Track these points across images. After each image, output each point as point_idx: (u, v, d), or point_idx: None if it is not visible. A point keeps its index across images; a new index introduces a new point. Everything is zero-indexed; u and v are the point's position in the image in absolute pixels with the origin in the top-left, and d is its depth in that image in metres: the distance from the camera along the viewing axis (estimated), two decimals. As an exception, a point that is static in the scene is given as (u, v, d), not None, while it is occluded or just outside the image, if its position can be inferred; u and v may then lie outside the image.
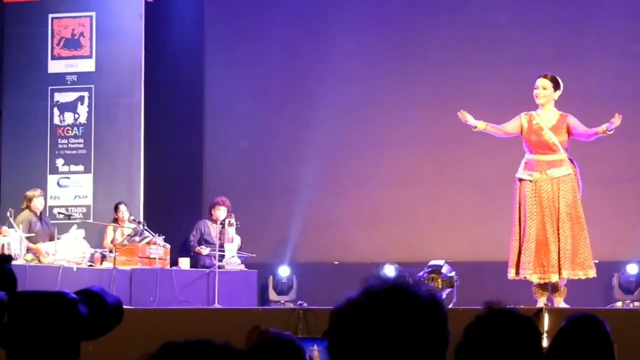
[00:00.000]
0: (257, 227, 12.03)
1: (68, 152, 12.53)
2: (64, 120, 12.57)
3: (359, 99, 12.41)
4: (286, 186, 12.44)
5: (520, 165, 8.51)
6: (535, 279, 8.34)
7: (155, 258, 10.84)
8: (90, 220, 12.14)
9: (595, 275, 8.45)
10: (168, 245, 11.13)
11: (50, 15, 12.67)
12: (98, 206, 12.34)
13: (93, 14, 12.62)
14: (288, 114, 12.69)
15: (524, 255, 8.33)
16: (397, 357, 1.86)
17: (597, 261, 8.61)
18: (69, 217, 11.96)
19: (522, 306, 6.97)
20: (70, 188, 12.49)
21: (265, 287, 11.80)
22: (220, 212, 11.46)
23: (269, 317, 8.59)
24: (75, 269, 10.30)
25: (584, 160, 8.80)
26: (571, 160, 8.44)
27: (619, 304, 10.64)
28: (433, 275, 9.47)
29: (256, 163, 12.73)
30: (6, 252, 10.05)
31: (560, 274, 8.27)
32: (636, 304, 10.66)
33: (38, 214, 11.14)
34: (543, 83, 8.43)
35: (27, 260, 10.37)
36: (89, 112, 12.55)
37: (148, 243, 10.99)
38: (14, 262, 1.86)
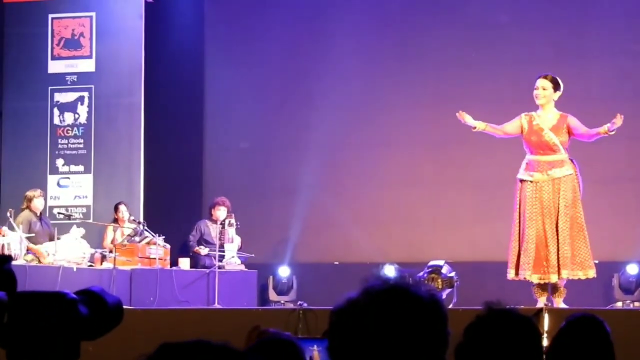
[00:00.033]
0: (257, 227, 12.03)
1: (68, 152, 12.53)
2: (64, 121, 12.57)
3: (359, 98, 12.41)
4: (286, 186, 12.44)
5: (521, 166, 8.50)
6: (535, 279, 8.33)
7: (155, 258, 10.84)
8: (90, 221, 12.14)
9: (595, 276, 8.45)
10: (168, 246, 11.13)
11: (50, 16, 12.68)
12: (98, 206, 12.34)
13: (93, 14, 12.62)
14: (288, 114, 12.69)
15: (523, 255, 8.33)
16: (397, 357, 1.86)
17: (597, 261, 8.61)
18: (69, 217, 11.96)
19: (522, 306, 6.96)
20: (70, 188, 12.49)
21: (265, 287, 11.80)
22: (221, 213, 11.46)
23: (269, 317, 8.59)
24: (75, 269, 10.30)
25: (584, 160, 8.80)
26: (572, 161, 8.43)
27: (619, 304, 10.64)
28: (433, 275, 9.47)
29: (256, 163, 12.73)
30: (6, 252, 10.05)
31: (559, 274, 8.27)
32: (636, 304, 10.66)
33: (38, 214, 11.14)
34: (543, 84, 8.43)
35: (27, 261, 10.37)
36: (89, 112, 12.55)
37: (148, 243, 10.99)
38: (14, 263, 1.86)
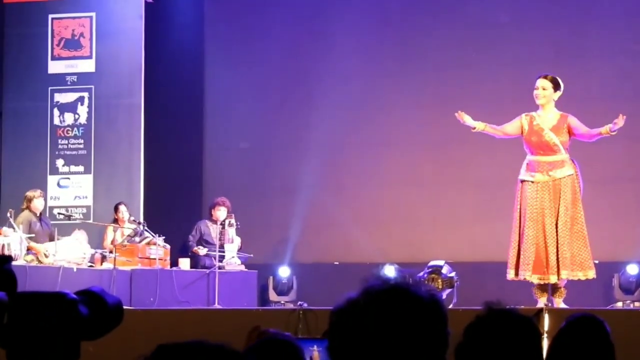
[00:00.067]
0: (257, 227, 12.03)
1: (68, 152, 12.53)
2: (64, 121, 12.57)
3: (359, 98, 12.41)
4: (286, 186, 12.44)
5: (522, 166, 8.50)
6: (534, 279, 8.33)
7: (155, 258, 10.83)
8: (91, 221, 12.14)
9: (594, 276, 8.44)
10: (168, 246, 11.13)
11: (50, 16, 12.67)
12: (98, 207, 12.34)
13: (93, 14, 12.62)
14: (288, 114, 12.69)
15: (523, 256, 8.32)
16: (397, 357, 1.86)
17: (597, 261, 8.61)
18: (69, 217, 11.96)
19: (522, 306, 6.96)
20: (70, 188, 12.49)
21: (265, 287, 11.80)
22: (221, 213, 11.45)
23: (269, 317, 8.59)
24: (75, 270, 10.30)
25: (584, 160, 8.80)
26: (572, 161, 8.42)
27: (619, 305, 10.64)
28: (433, 275, 9.47)
29: (256, 163, 12.73)
30: (6, 252, 10.05)
31: (558, 275, 8.26)
32: (636, 304, 10.65)
33: (38, 215, 11.14)
34: (543, 84, 8.42)
35: (27, 261, 10.37)
36: (89, 113, 12.55)
37: (148, 243, 10.99)
38: (14, 263, 1.86)
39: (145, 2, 12.55)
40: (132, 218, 11.52)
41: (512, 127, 8.54)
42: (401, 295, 1.89)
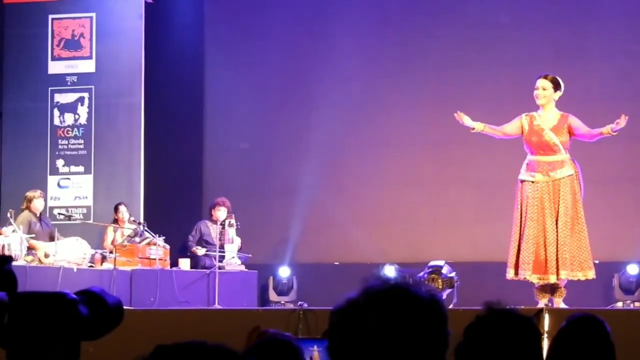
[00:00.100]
0: (257, 227, 12.03)
1: (68, 152, 12.53)
2: (64, 121, 12.57)
3: (359, 99, 12.41)
4: (286, 186, 12.44)
5: (522, 166, 8.50)
6: (534, 279, 8.33)
7: (155, 259, 10.84)
8: (91, 221, 12.15)
9: (594, 277, 8.44)
10: (168, 246, 11.13)
11: (50, 16, 12.67)
12: (98, 207, 12.34)
13: (93, 14, 12.62)
14: (288, 114, 12.69)
15: (523, 255, 8.32)
16: (397, 357, 1.86)
17: (597, 261, 8.61)
18: (69, 217, 11.96)
19: (522, 306, 6.96)
20: (70, 189, 12.49)
21: (265, 287, 11.80)
22: (221, 213, 11.45)
23: (269, 317, 8.59)
24: (75, 270, 10.30)
25: (584, 160, 8.80)
26: (573, 161, 8.42)
27: (619, 305, 10.64)
28: (433, 275, 9.46)
29: (256, 163, 12.73)
30: (7, 253, 10.05)
31: (558, 275, 8.26)
32: (636, 304, 10.65)
33: (38, 215, 11.14)
34: (543, 84, 8.42)
35: (27, 261, 10.37)
36: (89, 113, 12.55)
37: (148, 244, 10.99)
38: (14, 263, 1.86)
39: (145, 2, 12.55)
40: (132, 218, 11.52)
41: (511, 127, 8.54)
42: (401, 295, 1.89)
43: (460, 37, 12.18)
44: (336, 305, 1.94)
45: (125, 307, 2.02)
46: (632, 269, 10.96)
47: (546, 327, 7.37)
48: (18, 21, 12.67)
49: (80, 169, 12.49)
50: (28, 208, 11.07)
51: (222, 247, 11.21)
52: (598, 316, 3.59)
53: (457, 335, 2.29)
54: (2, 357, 1.78)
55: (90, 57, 12.59)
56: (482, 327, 2.53)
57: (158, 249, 10.91)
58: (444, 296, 9.22)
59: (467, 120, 8.51)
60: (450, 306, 8.83)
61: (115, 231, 11.54)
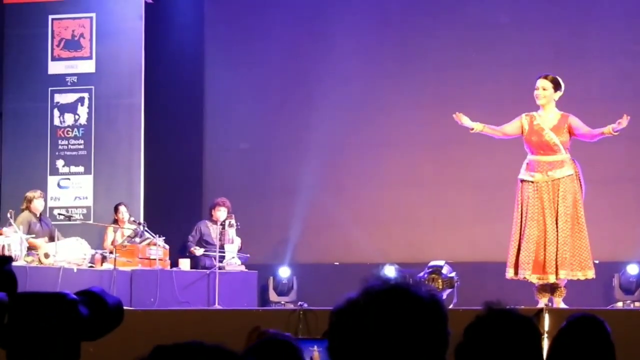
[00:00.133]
0: (258, 227, 12.03)
1: (68, 153, 12.53)
2: (64, 122, 12.57)
3: (359, 99, 12.41)
4: (286, 186, 12.44)
5: (522, 166, 8.50)
6: (534, 279, 8.33)
7: (155, 259, 10.84)
8: (91, 222, 12.15)
9: (594, 277, 8.43)
10: (168, 246, 11.13)
11: (50, 17, 12.68)
12: (98, 207, 12.34)
13: (93, 15, 12.62)
14: (288, 114, 12.69)
15: (522, 255, 8.32)
16: (397, 357, 1.86)
17: (597, 261, 8.61)
18: (69, 218, 11.96)
19: (522, 306, 6.96)
20: (70, 189, 12.49)
21: (265, 288, 11.80)
22: (221, 213, 11.45)
23: (269, 318, 8.59)
24: (75, 270, 10.30)
25: (585, 160, 8.79)
26: (573, 161, 8.42)
27: (619, 305, 10.64)
28: (433, 275, 9.46)
29: (256, 163, 12.73)
30: (6, 253, 10.05)
31: (557, 274, 8.26)
32: (637, 304, 10.65)
33: (38, 215, 11.14)
34: (543, 84, 8.42)
35: (27, 262, 10.37)
36: (89, 113, 12.55)
37: (148, 244, 10.99)
38: (14, 264, 1.86)
39: (145, 2, 12.55)
40: (132, 219, 11.52)
41: (511, 128, 8.54)
42: (401, 295, 1.89)
43: (460, 38, 12.18)
44: (336, 306, 1.94)
45: (125, 308, 2.02)
46: (632, 269, 10.96)
47: (546, 327, 7.37)
48: (18, 21, 12.67)
49: (80, 169, 12.49)
50: (28, 208, 11.07)
51: (222, 247, 11.21)
52: (598, 316, 3.59)
53: (457, 335, 2.29)
54: (2, 357, 1.78)
55: (90, 58, 12.59)
56: (482, 327, 2.53)
57: (158, 249, 10.91)
58: (444, 296, 9.22)
59: (465, 121, 8.50)
60: (450, 306, 8.83)
61: (115, 231, 11.54)
